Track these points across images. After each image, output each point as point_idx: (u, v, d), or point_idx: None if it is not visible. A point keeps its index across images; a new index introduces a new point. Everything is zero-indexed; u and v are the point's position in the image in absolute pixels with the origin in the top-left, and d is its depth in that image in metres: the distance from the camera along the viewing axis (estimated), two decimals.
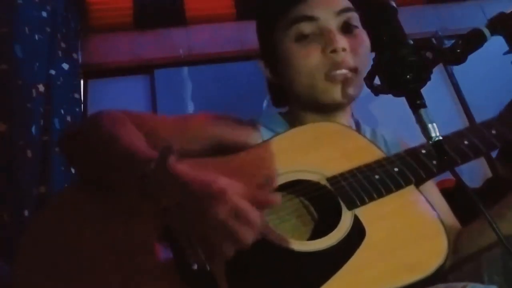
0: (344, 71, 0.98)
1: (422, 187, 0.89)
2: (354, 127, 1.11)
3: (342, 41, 0.98)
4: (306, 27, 1.00)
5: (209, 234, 0.63)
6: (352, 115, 1.12)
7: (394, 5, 0.84)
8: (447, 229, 0.79)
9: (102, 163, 0.83)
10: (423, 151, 0.88)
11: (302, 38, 1.01)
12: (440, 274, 0.74)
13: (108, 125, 0.86)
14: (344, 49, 0.98)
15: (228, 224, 0.62)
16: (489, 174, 2.69)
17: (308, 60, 0.99)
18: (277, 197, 0.66)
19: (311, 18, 1.00)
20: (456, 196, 1.07)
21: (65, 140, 0.95)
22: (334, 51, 0.97)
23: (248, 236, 0.63)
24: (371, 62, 0.86)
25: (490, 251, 0.81)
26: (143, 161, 0.72)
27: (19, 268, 0.77)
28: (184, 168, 0.69)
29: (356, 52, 1.00)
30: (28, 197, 1.83)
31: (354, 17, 1.02)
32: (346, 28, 1.01)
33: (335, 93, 0.99)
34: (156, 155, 0.72)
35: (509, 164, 2.20)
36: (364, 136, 0.98)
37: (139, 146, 0.79)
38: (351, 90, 0.99)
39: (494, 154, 2.43)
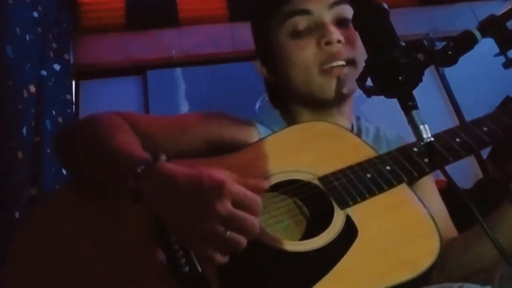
0: (340, 62, 0.98)
1: (419, 188, 0.89)
2: (355, 124, 1.11)
3: (337, 33, 0.98)
4: (300, 22, 1.00)
5: (203, 233, 0.63)
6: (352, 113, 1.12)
7: (386, 6, 0.84)
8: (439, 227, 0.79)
9: (96, 163, 0.82)
10: (415, 150, 0.88)
11: (296, 33, 1.00)
12: (432, 273, 0.74)
13: (104, 126, 0.86)
14: (339, 41, 0.97)
15: (235, 214, 0.62)
16: (480, 175, 2.71)
17: (303, 54, 0.99)
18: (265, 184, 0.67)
19: (304, 12, 1.00)
20: (447, 197, 1.07)
21: (59, 140, 0.94)
22: (328, 43, 0.97)
23: (256, 224, 0.63)
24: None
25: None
26: (134, 163, 0.71)
27: (9, 271, 0.76)
28: (173, 166, 0.69)
29: (353, 44, 1.00)
30: (19, 198, 1.81)
31: (348, 10, 1.02)
32: (341, 21, 1.01)
33: (331, 87, 0.98)
34: (148, 157, 0.72)
35: (500, 165, 2.21)
36: (357, 135, 0.98)
37: (131, 149, 0.78)
38: (347, 84, 0.98)
39: (485, 155, 2.45)
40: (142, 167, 0.70)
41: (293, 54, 1.00)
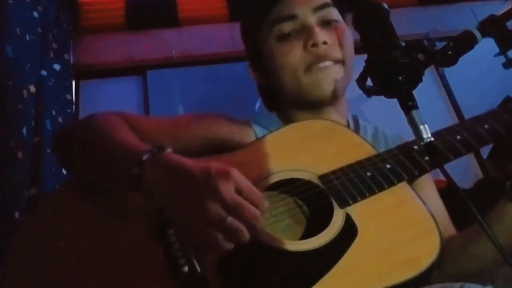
0: (327, 63, 0.99)
1: (417, 187, 0.89)
2: (352, 123, 1.11)
3: (322, 35, 0.99)
4: (287, 26, 1.02)
5: (205, 216, 0.63)
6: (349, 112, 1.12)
7: (386, 6, 0.84)
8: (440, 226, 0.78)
9: (96, 161, 0.82)
10: (415, 148, 0.88)
11: (283, 37, 1.02)
12: (432, 272, 0.74)
13: (103, 125, 0.86)
14: (325, 42, 0.99)
15: (237, 200, 0.63)
16: (480, 175, 2.70)
17: (290, 57, 1.01)
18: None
19: (290, 17, 1.02)
20: (447, 197, 1.07)
21: (58, 139, 0.94)
22: (314, 45, 0.99)
23: (257, 214, 0.64)
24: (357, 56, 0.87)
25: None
26: (138, 153, 0.72)
27: (9, 270, 0.76)
28: (180, 156, 0.70)
29: (340, 43, 1.02)
30: (19, 198, 1.81)
31: (333, 12, 1.04)
32: (326, 22, 1.03)
33: (320, 86, 0.99)
34: (152, 147, 0.72)
35: (500, 165, 2.21)
36: (356, 133, 0.98)
37: (133, 142, 0.79)
38: (337, 82, 0.99)
39: (485, 155, 2.45)
40: (147, 156, 0.70)
41: (281, 57, 1.02)
